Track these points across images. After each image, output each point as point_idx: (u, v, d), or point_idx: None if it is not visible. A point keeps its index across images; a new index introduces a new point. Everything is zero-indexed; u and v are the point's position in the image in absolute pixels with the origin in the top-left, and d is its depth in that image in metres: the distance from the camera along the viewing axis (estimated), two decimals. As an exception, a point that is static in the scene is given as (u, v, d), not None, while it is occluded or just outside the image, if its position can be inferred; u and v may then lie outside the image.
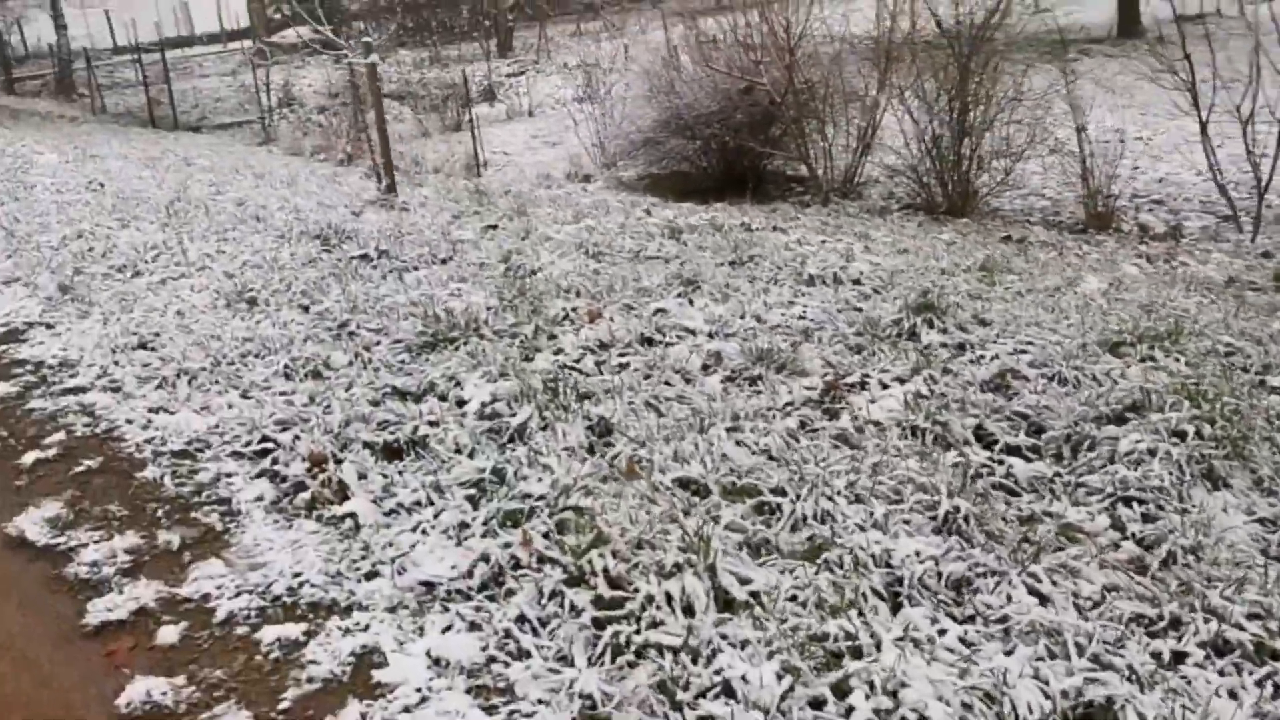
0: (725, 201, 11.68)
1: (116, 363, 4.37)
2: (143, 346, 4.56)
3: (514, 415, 3.50)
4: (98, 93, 23.62)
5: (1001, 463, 3.28)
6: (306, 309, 4.83)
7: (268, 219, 7.28)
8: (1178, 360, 4.08)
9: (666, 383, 3.88)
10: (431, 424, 3.45)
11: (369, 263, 5.86)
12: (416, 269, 5.73)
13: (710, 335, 4.44)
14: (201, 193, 8.89)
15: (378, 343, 4.37)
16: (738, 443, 3.28)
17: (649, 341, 4.37)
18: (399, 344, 4.32)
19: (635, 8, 35.21)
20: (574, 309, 4.71)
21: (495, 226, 7.18)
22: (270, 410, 3.67)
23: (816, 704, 2.15)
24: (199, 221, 7.02)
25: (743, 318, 4.69)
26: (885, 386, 3.86)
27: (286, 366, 4.11)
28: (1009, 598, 2.53)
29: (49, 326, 5.09)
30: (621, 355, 4.15)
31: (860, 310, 4.82)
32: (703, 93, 11.91)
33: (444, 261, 5.91)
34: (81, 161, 10.48)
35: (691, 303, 4.90)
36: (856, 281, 5.44)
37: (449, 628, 2.48)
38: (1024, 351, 4.23)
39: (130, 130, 19.67)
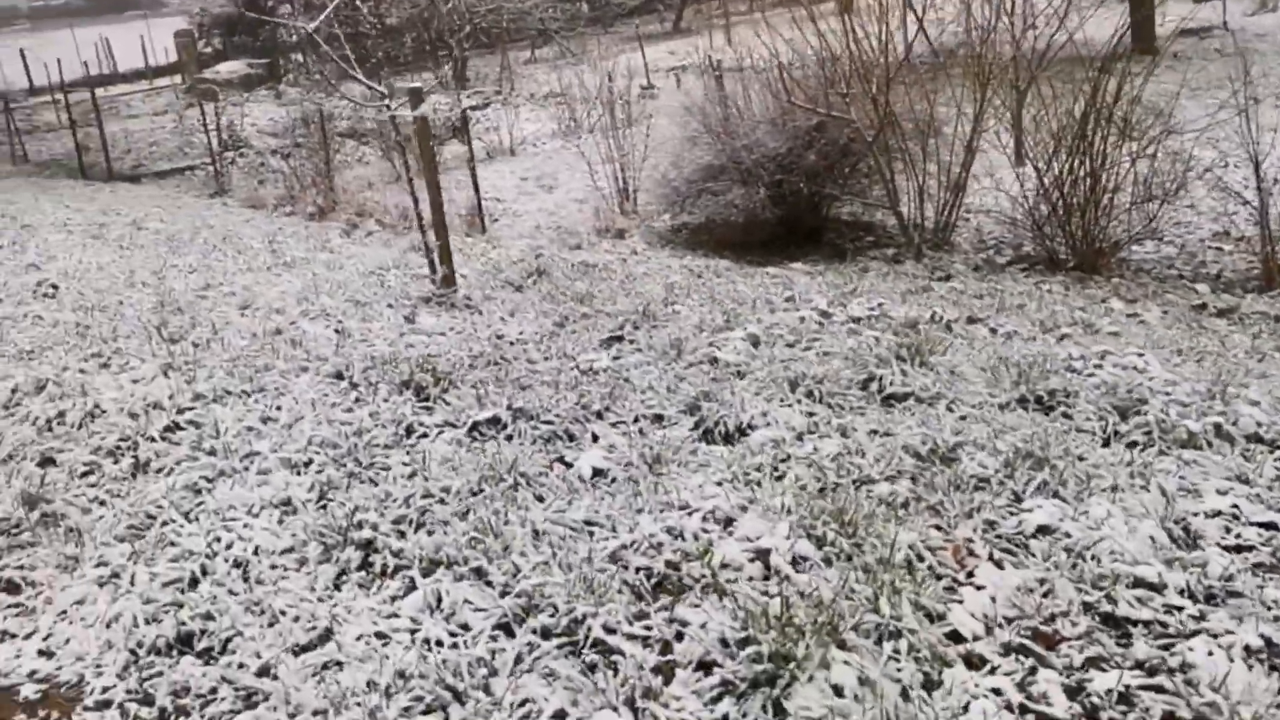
0: (799, 260, 9.90)
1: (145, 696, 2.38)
2: (185, 647, 2.57)
3: None
4: (18, 140, 21.05)
5: None
6: (480, 575, 2.84)
7: (299, 339, 5.24)
8: None
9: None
10: None
11: (500, 429, 3.89)
12: (577, 440, 3.77)
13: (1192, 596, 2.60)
14: (183, 286, 6.81)
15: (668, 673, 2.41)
16: None
17: (1112, 623, 2.50)
18: (707, 679, 2.36)
19: (591, 33, 33.49)
20: (925, 545, 2.82)
21: (621, 338, 5.24)
22: None
23: None
24: (208, 351, 4.96)
25: (1185, 541, 2.86)
26: None
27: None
28: None
29: (7, 590, 3.06)
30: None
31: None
32: (764, 131, 10.09)
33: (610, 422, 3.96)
34: (17, 243, 8.24)
35: (1086, 513, 3.04)
36: (1257, 439, 3.62)
37: None
38: None
39: (60, 184, 17.25)
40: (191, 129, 24.02)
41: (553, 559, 2.74)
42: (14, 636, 2.86)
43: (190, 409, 4.15)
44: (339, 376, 4.57)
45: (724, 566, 2.73)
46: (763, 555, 2.75)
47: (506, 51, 26.91)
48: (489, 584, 2.72)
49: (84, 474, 3.76)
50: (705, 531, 2.93)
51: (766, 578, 2.71)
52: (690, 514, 3.02)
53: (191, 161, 20.16)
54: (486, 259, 9.22)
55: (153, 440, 3.92)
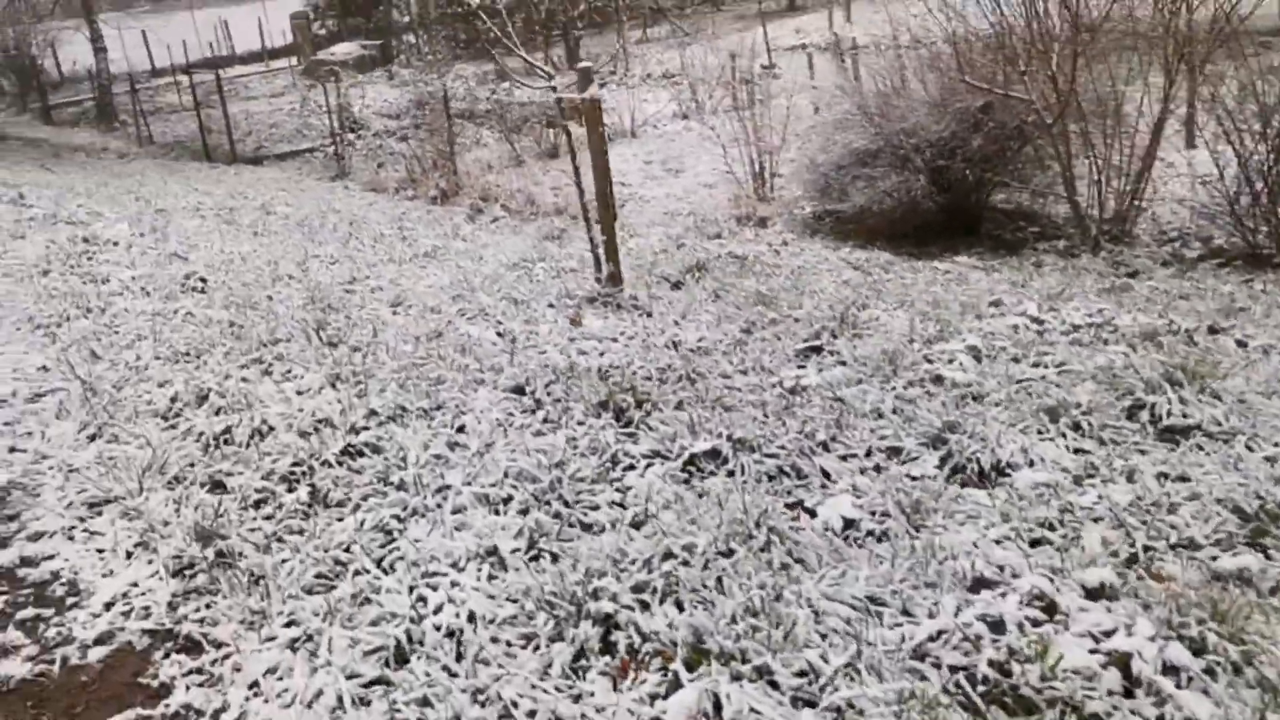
0: (954, 250, 9.16)
1: None
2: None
3: None
4: (143, 121, 21.37)
5: None
6: (763, 674, 2.30)
7: (465, 344, 4.80)
8: None
9: None
10: None
11: (720, 463, 3.37)
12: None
13: None
14: (329, 279, 6.46)
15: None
16: None
17: None
18: None
19: (703, 11, 32.68)
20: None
21: (819, 349, 4.67)
22: None
23: None
24: (372, 357, 4.55)
25: None
26: None
27: None
28: None
29: (188, 649, 2.67)
30: None
31: None
32: (925, 113, 9.34)
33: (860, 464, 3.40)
34: (157, 229, 8.04)
35: None
36: None
37: None
38: None
39: (186, 166, 17.37)
40: (310, 111, 24.20)
41: (857, 657, 2.20)
42: (201, 716, 2.44)
43: (365, 429, 3.73)
44: (519, 391, 4.10)
45: (1070, 673, 2.16)
46: (1120, 661, 2.16)
47: (622, 30, 26.33)
48: (775, 686, 2.19)
49: (256, 503, 3.37)
50: (1029, 621, 2.35)
51: (1130, 693, 2.12)
52: (1002, 594, 2.45)
53: (311, 144, 20.17)
54: (626, 249, 8.73)
55: (329, 465, 3.51)
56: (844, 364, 4.44)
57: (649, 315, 5.54)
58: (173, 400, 4.15)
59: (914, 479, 3.30)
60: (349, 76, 29.51)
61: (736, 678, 2.21)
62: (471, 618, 2.59)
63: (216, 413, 3.94)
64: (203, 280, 6.09)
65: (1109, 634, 2.24)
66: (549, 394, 4.03)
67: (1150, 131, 8.91)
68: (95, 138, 21.61)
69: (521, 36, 30.35)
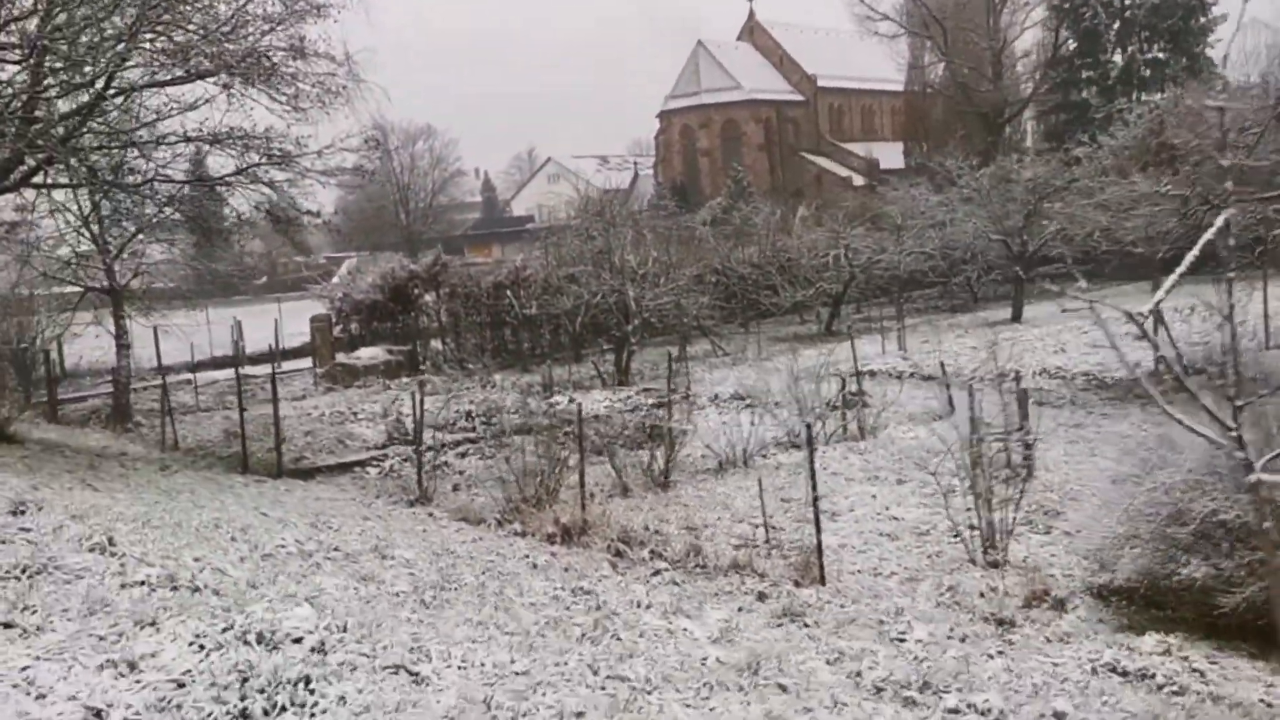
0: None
1: None
2: None
3: None
4: (170, 423, 19.30)
5: None
6: None
7: None
8: None
9: None
10: None
11: None
12: None
13: None
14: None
15: None
16: None
17: None
18: None
19: (736, 331, 32.19)
20: None
21: None
22: None
23: None
24: None
25: None
26: None
27: None
28: None
29: None
30: None
31: None
32: None
33: None
34: (328, 608, 5.65)
35: None
36: None
37: None
38: None
39: (230, 479, 15.09)
40: (341, 417, 22.34)
41: None
42: None
43: None
44: None
45: None
46: None
47: (685, 345, 25.29)
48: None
49: None
50: None
51: None
52: None
53: (359, 455, 18.10)
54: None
55: None
56: None
57: None
58: None
59: None
60: (374, 382, 28.09)
61: None
62: None
63: None
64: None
65: None
66: None
67: None
68: (110, 441, 19.39)
69: (550, 345, 28.96)
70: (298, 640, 4.80)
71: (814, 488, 9.48)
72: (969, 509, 11.83)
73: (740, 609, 7.92)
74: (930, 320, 32.74)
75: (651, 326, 27.18)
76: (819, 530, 9.30)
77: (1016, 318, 30.68)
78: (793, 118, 74.74)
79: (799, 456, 15.83)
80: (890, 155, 66.78)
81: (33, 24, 13.67)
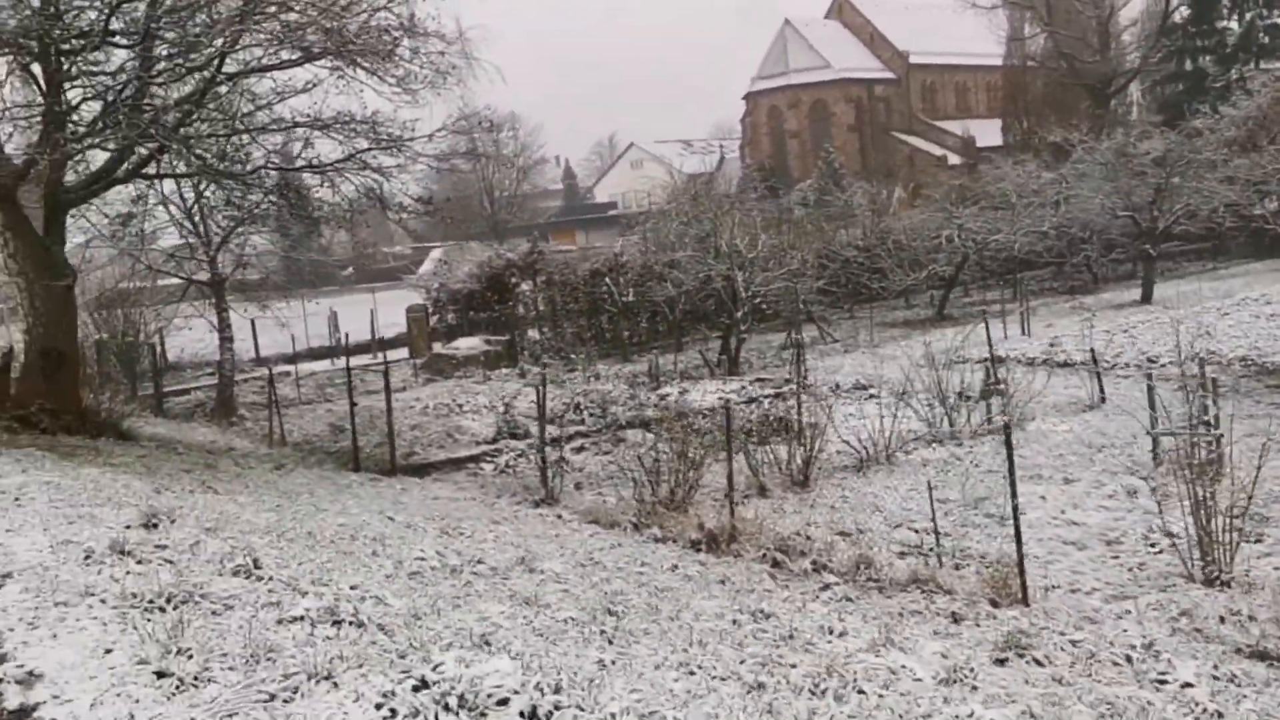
0: None
1: None
2: None
3: None
4: (278, 416, 18.91)
5: None
6: None
7: None
8: None
9: None
10: None
11: None
12: None
13: None
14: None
15: None
16: None
17: None
18: None
19: (844, 317, 30.87)
20: None
21: None
22: None
23: None
24: None
25: None
26: None
27: None
28: None
29: None
30: None
31: None
32: None
33: None
34: (561, 675, 4.80)
35: None
36: None
37: None
38: None
39: (344, 476, 14.52)
40: (447, 410, 21.74)
41: None
42: None
43: None
44: None
45: None
46: None
47: (798, 332, 24.14)
48: None
49: None
50: None
51: None
52: None
53: (470, 450, 17.45)
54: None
55: None
56: None
57: None
58: None
59: None
60: (473, 373, 27.46)
61: None
62: None
63: None
64: None
65: None
66: None
67: None
68: (217, 435, 19.07)
69: (647, 333, 27.92)
70: (503, 702, 3.95)
71: (1014, 494, 8.37)
72: (1151, 513, 10.66)
73: (947, 636, 6.91)
74: (1048, 303, 31.04)
75: (760, 312, 26.08)
76: (1019, 542, 8.21)
77: (1146, 299, 28.80)
78: (884, 96, 72.62)
79: (944, 452, 14.70)
80: (986, 133, 64.39)
81: (142, 8, 13.15)
